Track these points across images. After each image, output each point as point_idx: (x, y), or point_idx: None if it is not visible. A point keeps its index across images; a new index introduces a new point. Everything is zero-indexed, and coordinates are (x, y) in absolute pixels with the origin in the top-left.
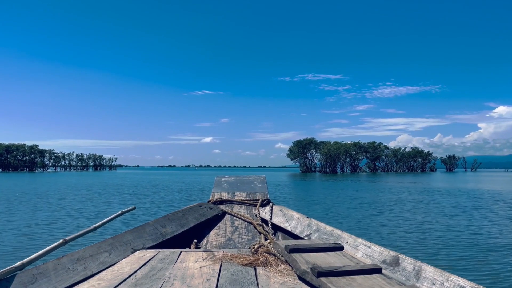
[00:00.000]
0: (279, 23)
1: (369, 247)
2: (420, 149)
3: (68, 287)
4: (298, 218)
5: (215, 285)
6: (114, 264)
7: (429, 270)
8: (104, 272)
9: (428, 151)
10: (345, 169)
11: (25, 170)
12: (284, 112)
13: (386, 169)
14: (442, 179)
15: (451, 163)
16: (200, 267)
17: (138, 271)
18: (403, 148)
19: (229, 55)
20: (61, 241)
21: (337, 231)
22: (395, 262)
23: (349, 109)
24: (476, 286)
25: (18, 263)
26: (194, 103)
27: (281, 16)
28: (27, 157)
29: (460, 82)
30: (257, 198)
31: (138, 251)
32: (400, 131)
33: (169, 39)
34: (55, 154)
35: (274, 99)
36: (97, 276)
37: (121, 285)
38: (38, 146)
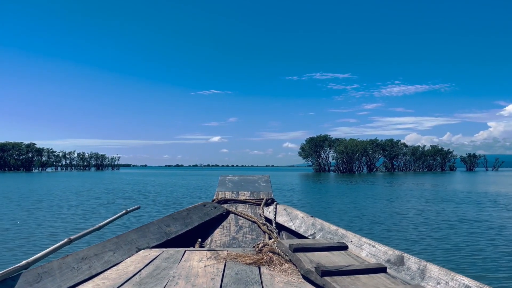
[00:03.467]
0: (287, 23)
1: (373, 246)
2: (440, 147)
3: (72, 286)
4: (302, 217)
5: (219, 284)
6: (118, 263)
7: (434, 270)
8: (109, 271)
9: (448, 149)
10: (362, 168)
11: (21, 170)
12: (292, 111)
13: (404, 168)
14: (467, 180)
15: (471, 162)
16: (205, 266)
17: (142, 270)
18: (422, 146)
19: (237, 54)
20: (66, 240)
21: (342, 230)
22: (400, 262)
23: (357, 108)
24: (481, 286)
25: (23, 262)
26: (202, 103)
27: (288, 16)
28: (23, 156)
29: (469, 81)
30: (261, 197)
31: (142, 250)
32: (408, 130)
33: (177, 39)
34: (54, 153)
35: (282, 98)
36: (101, 275)
37: (126, 284)
38: (36, 144)
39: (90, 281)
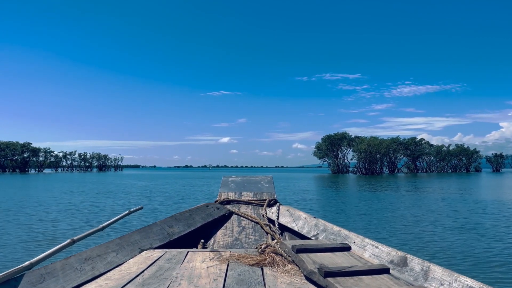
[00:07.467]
0: (297, 23)
1: (376, 247)
2: (466, 146)
3: (75, 287)
4: (305, 218)
5: (222, 285)
6: (121, 264)
7: (437, 271)
8: (112, 272)
9: (475, 149)
10: (384, 169)
11: (16, 172)
12: (302, 112)
13: (427, 169)
14: (501, 184)
15: (498, 163)
16: (207, 267)
17: (145, 271)
18: (447, 146)
19: (246, 55)
20: (69, 240)
21: (344, 231)
22: (403, 262)
23: (367, 108)
24: (485, 287)
25: (27, 262)
26: (212, 104)
27: (298, 16)
28: (17, 157)
29: (481, 81)
30: (264, 198)
31: (145, 251)
32: (419, 130)
33: (187, 41)
34: (51, 153)
35: (292, 99)
36: (104, 276)
37: (129, 285)
38: (32, 144)
39: (93, 282)
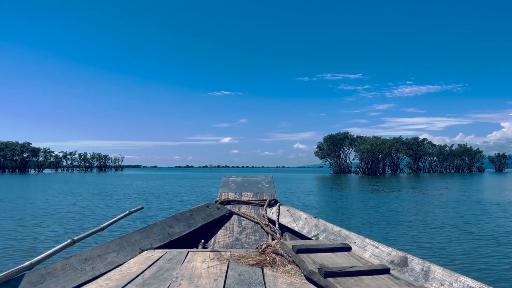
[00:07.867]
0: (296, 23)
1: (377, 247)
2: (468, 146)
3: (76, 287)
4: (305, 218)
5: (222, 285)
6: (122, 264)
7: (437, 271)
8: (112, 272)
9: (478, 149)
10: (386, 169)
11: (16, 172)
12: (303, 112)
13: (429, 169)
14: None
15: (500, 163)
16: (208, 267)
17: (145, 271)
18: (449, 146)
19: (248, 55)
20: (69, 241)
21: (345, 231)
22: (403, 263)
23: (368, 108)
24: (485, 287)
25: (27, 262)
26: (213, 104)
27: (298, 16)
28: (17, 157)
29: (482, 81)
30: (264, 198)
31: (145, 251)
32: (420, 130)
33: (188, 41)
34: (51, 153)
35: (293, 99)
36: (105, 276)
37: (129, 285)
38: (31, 144)
39: (94, 282)
